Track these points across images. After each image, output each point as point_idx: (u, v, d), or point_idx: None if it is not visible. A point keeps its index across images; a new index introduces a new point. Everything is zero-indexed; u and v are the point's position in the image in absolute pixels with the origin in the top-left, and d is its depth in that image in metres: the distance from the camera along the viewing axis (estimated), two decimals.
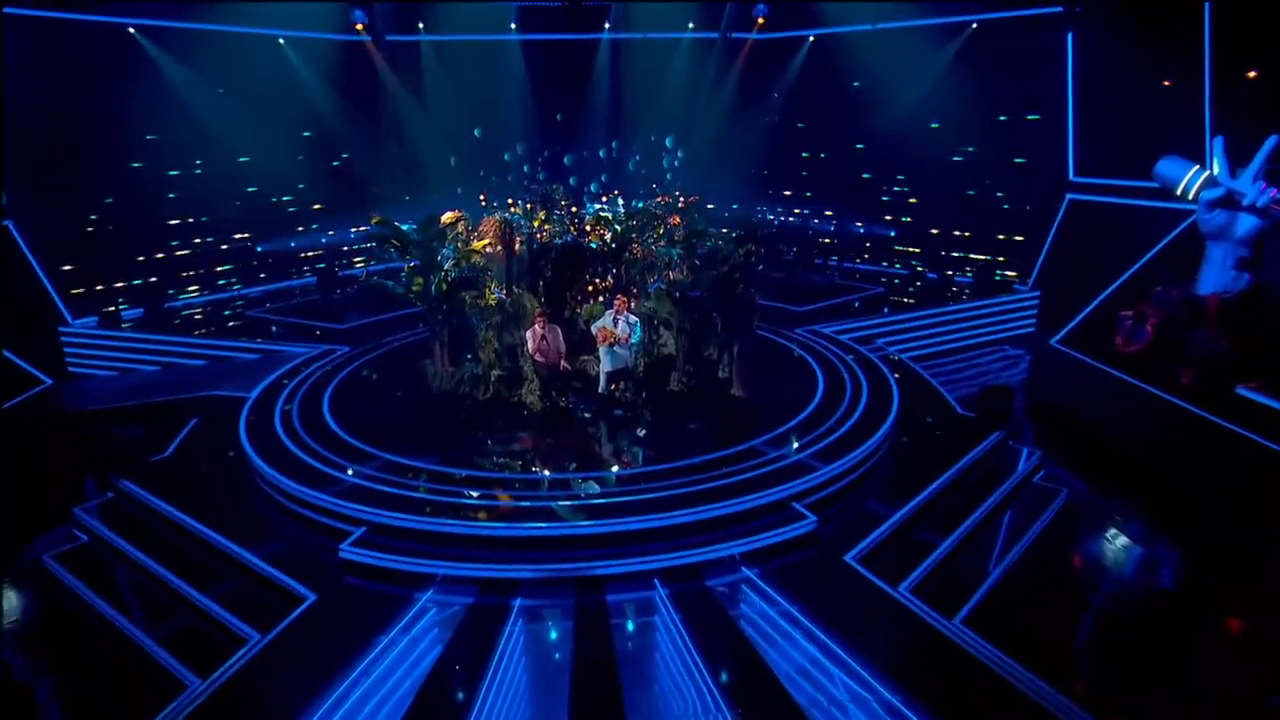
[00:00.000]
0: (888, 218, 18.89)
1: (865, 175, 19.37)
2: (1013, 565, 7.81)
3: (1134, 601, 7.48)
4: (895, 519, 8.19)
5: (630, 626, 6.92)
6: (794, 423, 9.97)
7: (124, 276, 16.12)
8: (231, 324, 15.69)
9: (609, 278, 11.56)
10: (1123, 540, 8.42)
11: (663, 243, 11.35)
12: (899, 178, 18.99)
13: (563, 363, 10.65)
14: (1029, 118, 16.56)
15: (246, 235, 18.13)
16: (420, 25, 18.43)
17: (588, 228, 11.88)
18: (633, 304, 10.78)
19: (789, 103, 19.35)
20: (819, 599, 7.01)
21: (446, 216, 10.93)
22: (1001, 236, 17.43)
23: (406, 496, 8.24)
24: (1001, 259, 17.21)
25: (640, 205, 11.91)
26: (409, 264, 10.86)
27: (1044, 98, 15.96)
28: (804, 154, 20.22)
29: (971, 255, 17.81)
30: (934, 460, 9.30)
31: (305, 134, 18.22)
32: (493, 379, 10.92)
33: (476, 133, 14.78)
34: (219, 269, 17.75)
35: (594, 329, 10.78)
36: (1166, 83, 13.97)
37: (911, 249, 18.64)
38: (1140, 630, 7.01)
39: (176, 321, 15.77)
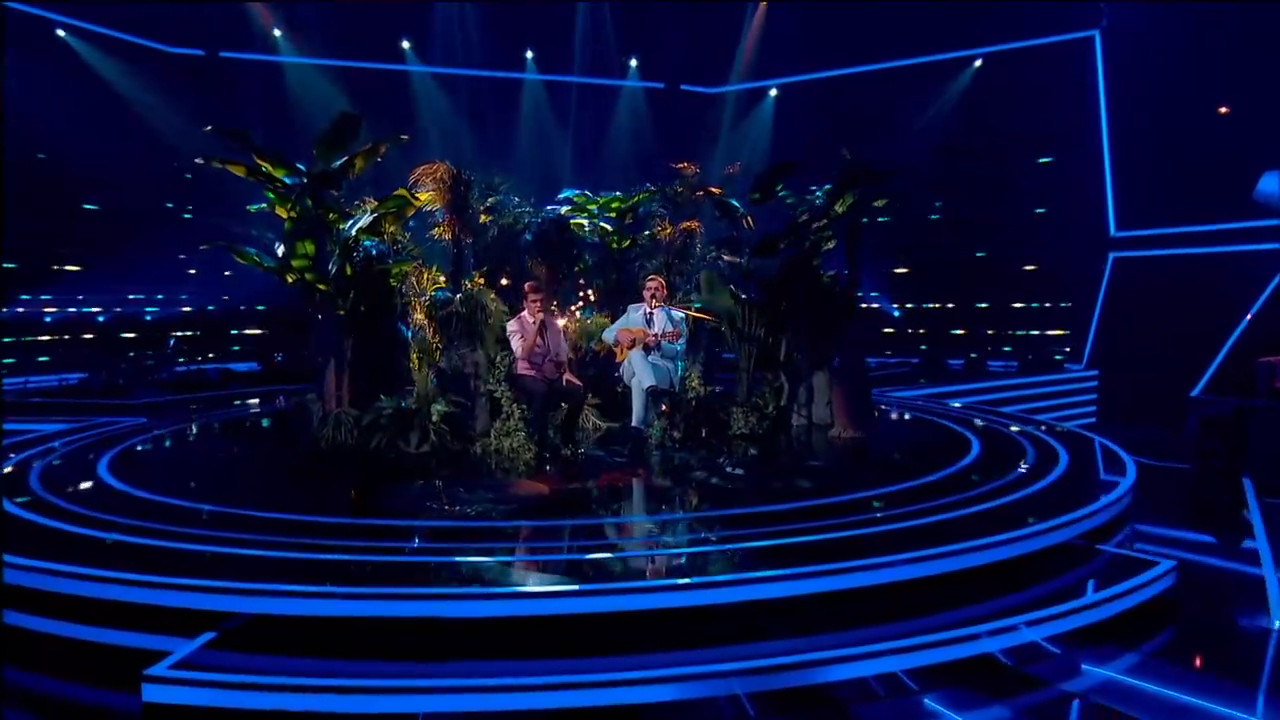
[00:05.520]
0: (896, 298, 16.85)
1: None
2: None
3: None
4: (1273, 571, 4.98)
5: None
6: (969, 459, 6.68)
7: None
8: None
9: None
10: None
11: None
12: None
13: (565, 377, 6.95)
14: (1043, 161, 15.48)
15: None
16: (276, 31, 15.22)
17: (564, 212, 8.81)
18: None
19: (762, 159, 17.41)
20: None
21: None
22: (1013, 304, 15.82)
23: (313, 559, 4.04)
24: (1058, 332, 15.42)
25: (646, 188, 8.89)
26: (289, 216, 6.96)
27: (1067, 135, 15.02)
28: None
29: (1004, 332, 15.95)
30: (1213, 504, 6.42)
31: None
32: (433, 419, 6.96)
33: None
34: None
35: (605, 339, 7.42)
36: (1223, 110, 13.26)
37: (920, 330, 16.52)
38: None
39: None
